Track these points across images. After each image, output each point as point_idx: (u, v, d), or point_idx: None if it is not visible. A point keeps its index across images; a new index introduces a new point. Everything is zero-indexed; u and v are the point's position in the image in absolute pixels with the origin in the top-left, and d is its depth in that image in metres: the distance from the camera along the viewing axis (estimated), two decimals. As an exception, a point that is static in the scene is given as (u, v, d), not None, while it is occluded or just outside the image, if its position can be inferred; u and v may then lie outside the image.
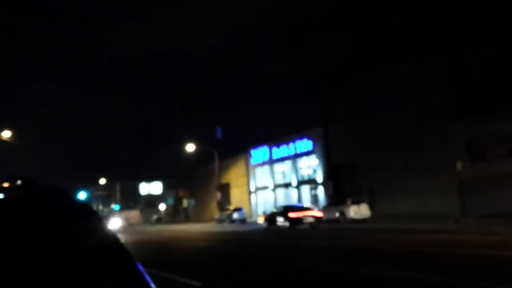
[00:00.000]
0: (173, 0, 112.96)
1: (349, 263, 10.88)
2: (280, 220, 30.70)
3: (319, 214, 30.81)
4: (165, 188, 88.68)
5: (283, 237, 21.68)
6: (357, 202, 32.59)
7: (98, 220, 2.08)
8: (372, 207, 34.45)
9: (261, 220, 36.15)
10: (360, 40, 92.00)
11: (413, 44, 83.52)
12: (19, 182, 2.35)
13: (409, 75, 76.17)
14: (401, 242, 15.69)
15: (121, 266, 1.84)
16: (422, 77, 74.72)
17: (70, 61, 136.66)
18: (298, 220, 29.57)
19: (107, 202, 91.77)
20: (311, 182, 47.57)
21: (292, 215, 29.96)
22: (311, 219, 29.63)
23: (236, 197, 60.09)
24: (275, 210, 34.06)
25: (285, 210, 31.18)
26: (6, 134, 36.86)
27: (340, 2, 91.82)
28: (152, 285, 1.77)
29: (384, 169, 37.55)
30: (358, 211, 32.06)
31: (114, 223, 27.98)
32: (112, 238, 1.97)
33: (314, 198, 46.93)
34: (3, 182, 2.44)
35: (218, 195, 55.09)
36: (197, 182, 70.95)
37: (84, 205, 2.15)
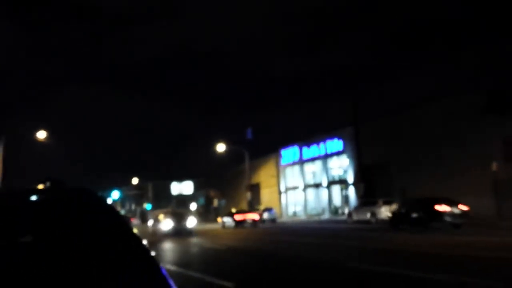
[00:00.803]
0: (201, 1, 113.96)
1: (385, 264, 10.76)
2: None
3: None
4: (196, 188, 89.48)
5: (321, 236, 21.55)
6: (388, 202, 32.12)
7: (120, 220, 2.08)
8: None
9: None
10: (393, 34, 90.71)
11: (446, 39, 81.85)
12: (48, 183, 2.42)
13: (444, 69, 74.69)
14: (444, 243, 15.38)
15: (143, 268, 1.82)
16: (458, 71, 73.15)
17: (102, 62, 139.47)
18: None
19: (139, 201, 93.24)
20: (342, 182, 47.22)
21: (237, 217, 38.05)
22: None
23: (266, 197, 60.15)
24: None
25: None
26: (41, 134, 37.02)
27: None
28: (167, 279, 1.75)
29: (416, 168, 36.95)
30: (390, 210, 31.59)
31: (190, 222, 29.28)
32: (134, 238, 1.96)
33: (345, 199, 46.57)
34: (37, 183, 2.54)
35: (248, 195, 55.23)
36: (227, 182, 71.33)
37: (108, 205, 2.17)
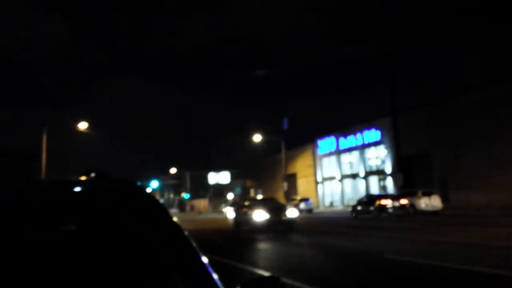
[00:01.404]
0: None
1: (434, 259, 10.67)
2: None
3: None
4: (232, 177, 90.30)
5: (358, 226, 21.46)
6: (428, 193, 31.57)
7: (164, 212, 2.13)
8: (444, 199, 33.29)
9: None
10: (430, 23, 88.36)
11: (488, 27, 79.09)
12: (93, 174, 2.47)
13: (489, 56, 72.39)
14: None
15: (186, 260, 1.86)
16: (504, 57, 70.68)
17: (142, 53, 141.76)
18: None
19: (177, 191, 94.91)
20: (380, 173, 46.68)
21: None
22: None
23: (303, 187, 60.12)
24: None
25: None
26: (83, 125, 37.23)
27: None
28: (217, 280, 1.78)
29: (457, 158, 36.16)
30: (429, 203, 31.07)
31: (258, 215, 22.20)
32: (177, 230, 2.02)
33: (383, 189, 46.04)
34: (80, 174, 2.64)
35: (285, 185, 55.31)
36: (264, 172, 71.64)
37: (151, 197, 2.21)
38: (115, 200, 2.16)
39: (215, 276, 1.79)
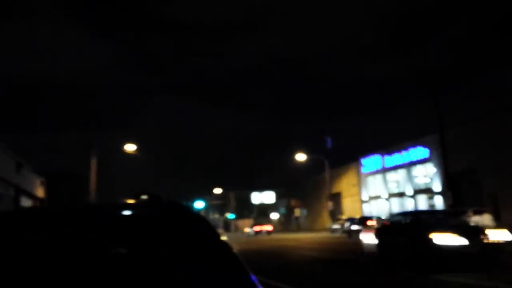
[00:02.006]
0: (282, 9, 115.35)
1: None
2: None
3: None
4: (277, 197, 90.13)
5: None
6: (479, 212, 30.48)
7: (215, 233, 2.16)
8: (496, 217, 32.06)
9: None
10: (479, 35, 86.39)
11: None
12: (144, 197, 2.56)
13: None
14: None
15: (237, 279, 1.87)
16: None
17: (186, 73, 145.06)
18: None
19: (222, 210, 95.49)
20: (428, 191, 45.54)
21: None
22: None
23: (348, 206, 59.32)
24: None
25: None
26: (130, 147, 37.14)
27: None
28: None
29: (509, 175, 34.87)
30: (481, 221, 30.01)
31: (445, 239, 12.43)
32: (228, 250, 2.03)
33: (432, 208, 44.87)
34: (130, 197, 2.74)
35: (330, 204, 54.79)
36: (308, 191, 71.18)
37: (203, 219, 2.24)
38: (167, 224, 2.18)
39: None
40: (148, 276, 1.85)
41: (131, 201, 2.60)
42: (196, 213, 2.35)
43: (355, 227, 40.56)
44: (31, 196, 29.89)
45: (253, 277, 1.92)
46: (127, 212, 2.34)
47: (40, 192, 32.04)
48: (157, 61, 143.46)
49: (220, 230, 69.70)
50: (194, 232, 2.16)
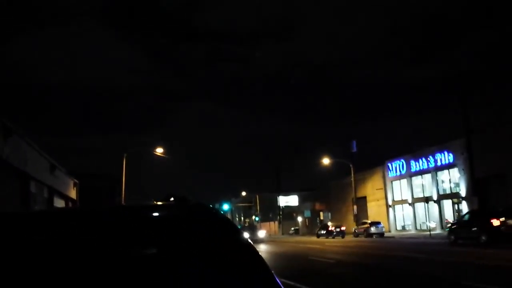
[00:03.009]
0: (310, 16, 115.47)
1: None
2: None
3: None
4: (301, 200, 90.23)
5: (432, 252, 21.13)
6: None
7: (240, 235, 2.19)
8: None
9: None
10: (506, 40, 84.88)
11: None
12: (172, 199, 2.62)
13: None
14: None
15: (261, 281, 1.89)
16: None
17: (216, 79, 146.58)
18: None
19: (248, 213, 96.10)
20: (454, 196, 45.20)
21: None
22: None
23: (373, 210, 59.17)
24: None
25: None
26: (159, 150, 38.79)
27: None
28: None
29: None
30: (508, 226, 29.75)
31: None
32: (254, 254, 2.05)
33: (458, 213, 44.53)
34: (161, 199, 2.88)
35: (355, 208, 54.79)
36: (333, 194, 71.18)
37: (228, 221, 2.27)
38: (194, 226, 2.21)
39: None
40: (175, 277, 1.89)
41: (158, 203, 2.63)
42: (221, 215, 2.34)
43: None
44: (64, 196, 31.02)
45: (278, 280, 1.93)
46: (153, 213, 2.37)
47: (72, 193, 33.20)
48: (188, 67, 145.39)
49: (246, 233, 70.14)
50: (219, 234, 2.16)
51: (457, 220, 32.07)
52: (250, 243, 2.16)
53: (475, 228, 24.71)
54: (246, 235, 2.25)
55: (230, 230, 2.23)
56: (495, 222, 23.36)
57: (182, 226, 2.21)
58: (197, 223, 2.25)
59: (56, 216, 2.37)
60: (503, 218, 23.70)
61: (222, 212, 2.48)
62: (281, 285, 1.89)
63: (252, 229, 45.96)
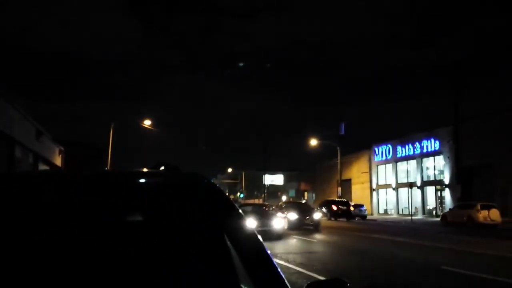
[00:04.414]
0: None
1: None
2: None
3: None
4: (287, 179, 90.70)
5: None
6: (487, 207, 30.77)
7: (235, 208, 2.10)
8: (505, 213, 32.31)
9: None
10: (500, 28, 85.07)
11: None
12: (162, 168, 2.43)
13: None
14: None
15: (255, 256, 1.83)
16: None
17: (211, 53, 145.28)
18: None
19: (233, 190, 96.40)
20: (438, 183, 45.75)
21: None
22: None
23: (357, 193, 59.75)
24: None
25: None
26: (147, 122, 38.80)
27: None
28: (285, 280, 1.74)
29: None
30: (488, 216, 30.31)
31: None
32: (246, 227, 1.99)
33: (440, 200, 45.18)
34: (151, 167, 2.76)
35: (339, 190, 55.21)
36: (318, 175, 71.65)
37: (221, 192, 2.18)
38: (185, 194, 2.14)
39: (285, 281, 1.74)
40: (164, 246, 1.84)
41: (152, 170, 2.53)
42: (215, 185, 2.24)
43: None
44: (49, 163, 30.70)
45: (273, 259, 1.85)
46: (144, 180, 2.28)
47: (58, 161, 32.85)
48: (183, 39, 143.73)
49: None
50: (213, 204, 2.08)
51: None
52: (254, 233, 1.98)
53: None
54: (251, 223, 2.06)
55: (223, 201, 2.11)
56: (334, 207, 41.03)
57: (173, 194, 2.12)
58: (191, 194, 2.14)
59: (39, 178, 2.26)
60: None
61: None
62: (273, 260, 1.81)
63: (262, 214, 20.84)
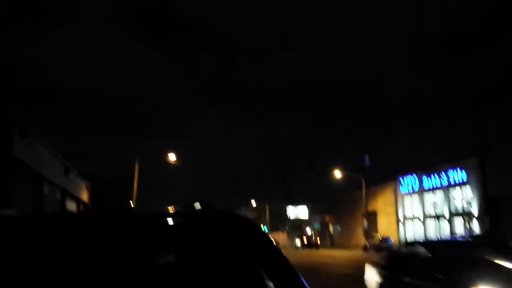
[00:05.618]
0: (323, 27, 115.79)
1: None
2: None
3: None
4: (311, 212, 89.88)
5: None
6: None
7: (272, 243, 2.06)
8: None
9: None
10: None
11: None
12: (197, 204, 2.39)
13: None
14: None
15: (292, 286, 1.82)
16: None
17: (230, 86, 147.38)
18: None
19: (256, 223, 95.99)
20: (466, 214, 44.76)
21: None
22: None
23: (383, 225, 58.75)
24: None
25: None
26: (171, 156, 38.32)
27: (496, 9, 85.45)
28: None
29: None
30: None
31: None
32: (283, 258, 1.96)
33: (469, 232, 44.09)
34: (178, 205, 2.66)
35: (365, 222, 54.47)
36: (343, 208, 70.82)
37: (259, 229, 2.15)
38: (221, 233, 2.10)
39: None
40: (198, 286, 1.81)
41: (188, 210, 2.50)
42: (253, 223, 2.20)
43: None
44: (76, 199, 31.26)
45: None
46: (178, 220, 2.27)
47: (85, 196, 33.44)
48: (201, 75, 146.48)
49: None
50: (252, 242, 2.04)
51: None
52: (282, 251, 1.98)
53: None
54: None
55: (262, 238, 2.07)
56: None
57: (210, 233, 2.07)
58: (226, 230, 2.10)
59: (71, 219, 2.29)
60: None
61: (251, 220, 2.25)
62: None
63: None
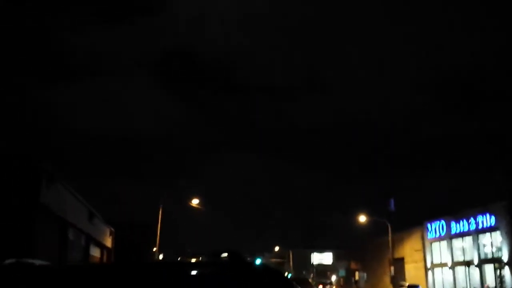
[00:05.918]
0: (345, 72, 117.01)
1: None
2: None
3: None
4: (335, 258, 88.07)
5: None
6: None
7: None
8: None
9: None
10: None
11: None
12: (224, 254, 2.43)
13: None
14: None
15: None
16: None
17: (253, 130, 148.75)
18: None
19: (281, 269, 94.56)
20: (496, 261, 43.27)
21: None
22: None
23: (411, 272, 57.05)
24: None
25: None
26: (195, 201, 38.95)
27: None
28: None
29: None
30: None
31: None
32: None
33: (500, 279, 42.49)
34: (213, 254, 2.60)
35: (392, 269, 53.03)
36: (369, 254, 69.23)
37: (290, 282, 2.13)
38: (254, 284, 2.09)
39: None
40: None
41: (218, 261, 2.46)
42: (283, 275, 2.17)
43: None
44: (100, 245, 31.45)
45: None
46: (206, 271, 2.27)
47: (108, 242, 33.63)
48: (225, 119, 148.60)
49: None
50: None
51: None
52: None
53: None
54: None
55: None
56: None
57: (242, 284, 2.07)
58: (256, 282, 2.10)
59: (102, 271, 2.33)
60: None
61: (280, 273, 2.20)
62: None
63: None
